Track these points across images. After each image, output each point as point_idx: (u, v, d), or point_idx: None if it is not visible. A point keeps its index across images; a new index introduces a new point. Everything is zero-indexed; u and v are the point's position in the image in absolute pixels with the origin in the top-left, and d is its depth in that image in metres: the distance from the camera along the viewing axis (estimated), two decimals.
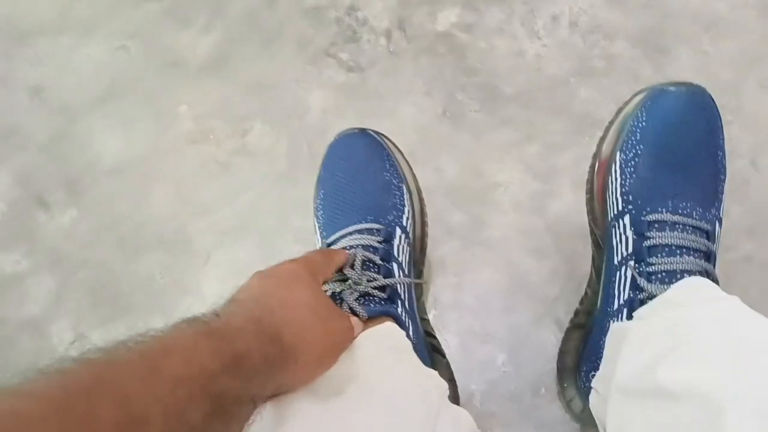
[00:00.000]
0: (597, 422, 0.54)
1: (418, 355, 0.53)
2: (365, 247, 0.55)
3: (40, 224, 0.77)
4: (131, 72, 0.88)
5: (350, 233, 0.57)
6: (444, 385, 0.51)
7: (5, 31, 0.94)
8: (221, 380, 0.31)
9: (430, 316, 0.69)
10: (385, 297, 0.53)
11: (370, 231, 0.57)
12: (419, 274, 0.64)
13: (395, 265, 0.56)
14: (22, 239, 0.76)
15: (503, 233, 0.73)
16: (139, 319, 0.71)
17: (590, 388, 0.56)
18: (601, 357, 0.55)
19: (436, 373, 0.52)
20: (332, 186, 0.61)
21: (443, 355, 0.63)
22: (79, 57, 0.90)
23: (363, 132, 0.63)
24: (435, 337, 0.64)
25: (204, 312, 0.35)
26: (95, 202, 0.79)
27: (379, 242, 0.56)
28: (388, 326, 0.51)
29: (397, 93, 0.82)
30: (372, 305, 0.52)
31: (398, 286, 0.55)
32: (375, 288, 0.53)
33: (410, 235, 0.60)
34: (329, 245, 0.58)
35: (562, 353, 0.63)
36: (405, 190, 0.62)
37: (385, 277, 0.54)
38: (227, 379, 0.31)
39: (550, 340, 0.67)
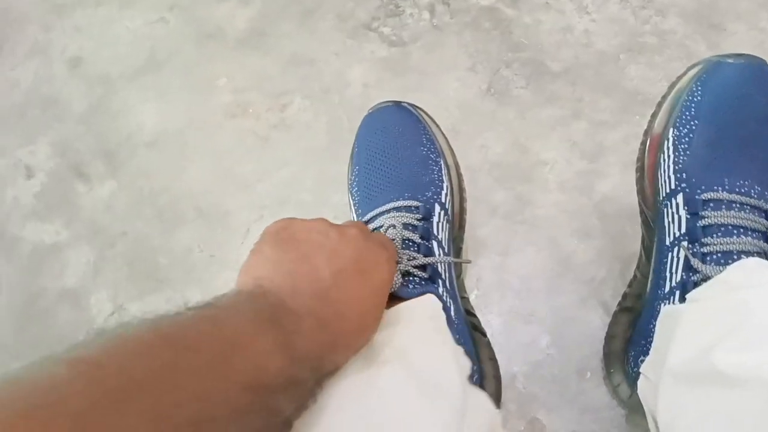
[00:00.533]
0: (645, 409, 0.52)
1: (458, 334, 0.52)
2: (404, 226, 0.54)
3: (79, 195, 0.78)
4: (170, 44, 0.88)
5: (387, 211, 0.55)
6: (469, 365, 0.48)
7: (44, 3, 0.94)
8: (280, 395, 0.29)
9: (472, 296, 0.68)
10: (425, 277, 0.52)
11: (408, 208, 0.55)
12: (458, 251, 0.62)
13: (435, 244, 0.55)
14: (61, 210, 0.77)
15: (548, 212, 0.72)
16: (177, 292, 0.71)
17: (638, 373, 0.54)
18: (650, 341, 0.53)
19: (462, 350, 0.49)
20: (366, 161, 0.60)
21: (484, 334, 0.62)
22: (117, 29, 0.90)
23: (398, 105, 0.61)
24: (475, 316, 0.63)
25: (256, 284, 0.34)
26: (133, 174, 0.79)
27: (418, 220, 0.54)
28: (428, 298, 0.49)
29: (441, 68, 0.81)
30: (412, 286, 0.50)
31: (439, 265, 0.54)
32: (415, 267, 0.51)
33: (449, 212, 0.59)
34: (366, 224, 0.56)
35: (609, 337, 0.61)
36: (443, 165, 0.60)
37: (425, 256, 0.52)
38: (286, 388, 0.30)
39: (595, 323, 0.66)
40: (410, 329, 0.42)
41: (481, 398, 0.45)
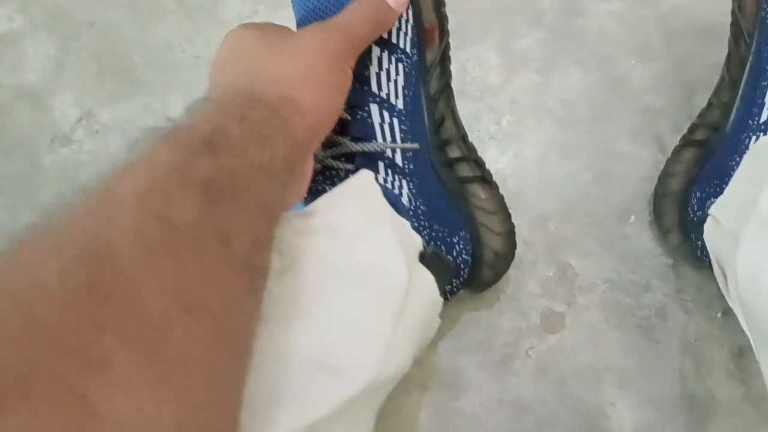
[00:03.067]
0: (712, 257, 0.46)
1: (433, 199, 0.46)
2: None
3: None
4: None
5: None
6: (418, 240, 0.42)
7: None
8: (198, 164, 0.27)
9: (504, 121, 0.59)
10: (351, 170, 0.42)
11: None
12: (440, 94, 0.48)
13: (374, 108, 0.43)
14: None
15: (601, 24, 0.61)
16: (155, 98, 0.61)
17: (703, 218, 0.47)
18: (726, 181, 0.46)
19: (408, 225, 0.42)
20: None
21: (485, 180, 0.51)
22: None
23: None
24: (473, 161, 0.51)
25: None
26: None
27: None
28: (357, 177, 0.41)
29: None
30: (328, 188, 0.40)
31: (375, 143, 0.42)
32: (336, 158, 0.42)
33: (403, 45, 0.45)
34: None
35: (665, 175, 0.54)
36: None
37: (353, 139, 0.42)
38: (205, 156, 0.27)
39: (646, 160, 0.58)
40: (329, 222, 0.36)
41: (425, 278, 0.42)
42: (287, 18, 0.62)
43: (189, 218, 0.25)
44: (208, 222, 0.25)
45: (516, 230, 0.53)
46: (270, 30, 0.39)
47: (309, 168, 0.37)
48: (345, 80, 0.38)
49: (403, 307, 0.36)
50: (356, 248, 0.36)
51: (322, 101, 0.36)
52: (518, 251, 0.54)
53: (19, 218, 0.57)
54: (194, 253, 0.25)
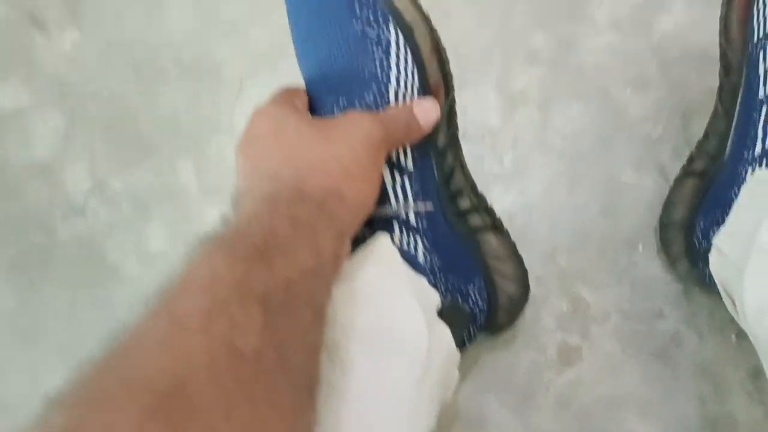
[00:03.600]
0: (719, 286, 0.47)
1: (447, 251, 0.47)
2: None
3: (37, 48, 0.67)
4: None
5: None
6: (436, 297, 0.44)
7: None
8: (256, 279, 0.28)
9: (507, 160, 0.61)
10: (367, 232, 0.43)
11: None
12: (447, 147, 0.49)
13: (386, 170, 0.44)
14: (18, 67, 0.67)
15: (597, 58, 0.62)
16: (164, 162, 0.63)
17: (708, 246, 0.49)
18: (727, 210, 0.47)
19: (425, 281, 0.44)
20: (297, 42, 0.48)
21: (496, 227, 0.53)
22: None
23: None
24: (481, 211, 0.52)
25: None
26: (99, 21, 0.68)
27: None
28: (372, 243, 0.42)
29: None
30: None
31: (390, 207, 0.44)
32: None
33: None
34: None
35: (669, 204, 0.55)
36: (391, 35, 0.45)
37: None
38: (262, 268, 0.29)
39: (651, 189, 0.59)
40: (352, 290, 0.37)
41: (442, 335, 0.43)
42: (289, 73, 0.64)
43: (253, 344, 0.25)
44: (270, 345, 0.26)
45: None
46: (311, 117, 0.41)
47: (348, 250, 0.38)
48: (379, 180, 0.41)
49: (426, 369, 0.38)
50: (379, 315, 0.38)
51: (364, 192, 0.38)
52: (531, 287, 0.55)
53: (40, 292, 0.59)
54: (260, 381, 0.25)
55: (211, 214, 0.62)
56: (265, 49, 0.66)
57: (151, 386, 0.23)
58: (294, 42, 0.48)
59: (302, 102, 0.45)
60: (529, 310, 0.57)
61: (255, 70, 0.65)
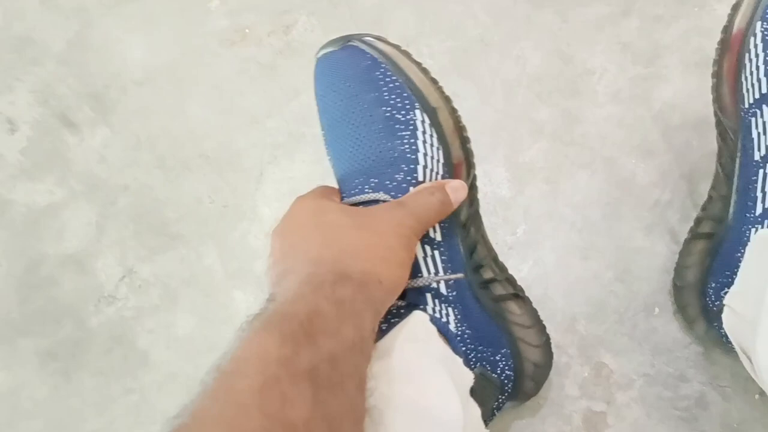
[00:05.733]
0: (735, 345, 0.49)
1: (476, 321, 0.50)
2: None
3: (69, 147, 0.73)
4: None
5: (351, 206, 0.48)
6: (470, 376, 0.46)
7: None
8: (304, 356, 0.30)
9: (520, 231, 0.64)
10: (403, 305, 0.46)
11: (375, 204, 0.47)
12: (470, 221, 0.53)
13: (418, 245, 0.47)
14: (52, 166, 0.72)
15: (600, 129, 0.66)
16: (191, 249, 0.67)
17: (721, 306, 0.51)
18: (736, 270, 0.50)
19: (460, 361, 0.46)
20: (328, 128, 0.51)
21: (519, 296, 0.55)
22: None
23: (345, 48, 0.50)
24: (503, 281, 0.55)
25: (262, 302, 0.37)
26: (126, 118, 0.74)
27: None
28: (410, 320, 0.45)
29: None
30: (384, 325, 0.44)
31: (422, 279, 0.47)
32: None
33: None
34: None
35: (680, 268, 0.57)
36: (418, 119, 0.48)
37: None
38: (308, 345, 0.31)
39: (663, 253, 0.62)
40: (392, 366, 0.40)
41: (474, 414, 0.45)
42: (306, 163, 0.69)
43: (304, 416, 0.28)
44: (320, 416, 0.29)
45: None
46: (349, 207, 0.45)
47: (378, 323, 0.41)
48: (413, 256, 0.44)
49: None
50: (417, 391, 0.39)
51: (397, 275, 0.42)
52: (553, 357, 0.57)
53: (73, 381, 0.62)
54: None
55: (235, 297, 0.65)
56: (282, 138, 0.71)
57: None
58: (323, 127, 0.52)
59: (338, 198, 0.49)
60: (553, 379, 0.58)
61: (274, 158, 0.70)
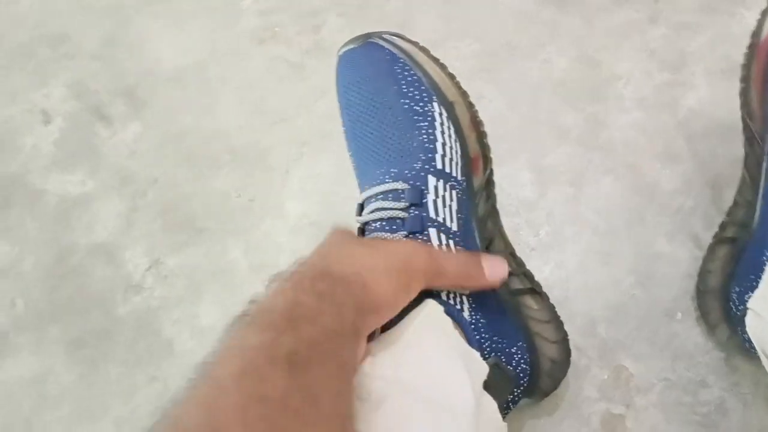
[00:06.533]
0: (758, 349, 0.49)
1: (491, 312, 0.50)
2: (389, 222, 0.48)
3: (101, 140, 0.75)
4: None
5: (371, 197, 0.50)
6: (484, 368, 0.46)
7: None
8: (284, 341, 0.32)
9: (543, 233, 0.65)
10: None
11: (394, 194, 0.48)
12: (488, 215, 0.54)
13: (433, 232, 0.48)
14: (84, 158, 0.74)
15: (625, 135, 0.67)
16: (217, 243, 0.68)
17: (744, 312, 0.51)
18: (760, 274, 0.50)
19: (476, 354, 0.46)
20: (349, 124, 0.53)
21: (536, 291, 0.56)
22: None
23: (365, 45, 0.52)
24: (522, 276, 0.56)
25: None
26: (157, 114, 0.76)
27: (404, 209, 0.48)
28: (424, 308, 0.45)
29: None
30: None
31: None
32: None
33: (454, 174, 0.51)
34: (361, 206, 0.51)
35: (704, 273, 0.58)
36: (436, 111, 0.51)
37: None
38: (288, 333, 0.32)
39: (685, 258, 0.62)
40: (401, 351, 0.41)
41: (489, 407, 0.45)
42: (332, 161, 0.70)
43: (280, 389, 0.29)
44: (297, 389, 0.30)
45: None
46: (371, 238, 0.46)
47: (361, 352, 0.39)
48: (408, 293, 0.43)
49: None
50: (433, 380, 0.40)
51: (385, 294, 0.40)
52: (571, 357, 0.57)
53: (100, 368, 0.64)
54: (290, 417, 0.29)
55: (259, 291, 0.67)
56: (309, 136, 0.72)
57: None
58: (344, 122, 0.54)
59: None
60: (571, 380, 0.59)
61: (300, 155, 0.71)
